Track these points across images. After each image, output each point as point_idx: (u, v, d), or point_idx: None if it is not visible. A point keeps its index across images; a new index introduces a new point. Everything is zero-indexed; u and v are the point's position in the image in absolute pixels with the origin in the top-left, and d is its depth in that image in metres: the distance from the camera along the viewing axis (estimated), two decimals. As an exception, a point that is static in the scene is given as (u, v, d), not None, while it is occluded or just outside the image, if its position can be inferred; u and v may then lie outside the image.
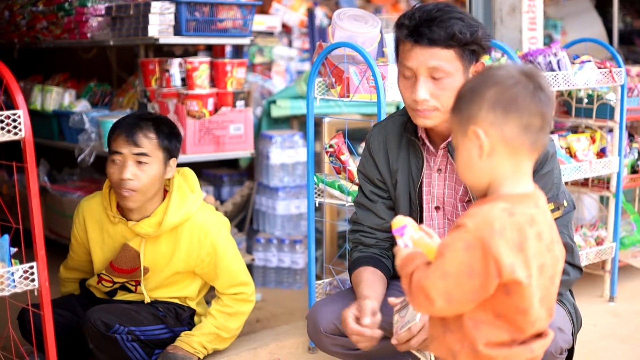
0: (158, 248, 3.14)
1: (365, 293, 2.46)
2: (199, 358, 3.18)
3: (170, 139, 3.09)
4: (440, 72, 2.38)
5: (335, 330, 2.56)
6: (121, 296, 3.24)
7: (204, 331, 3.19)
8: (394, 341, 2.20)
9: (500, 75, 1.82)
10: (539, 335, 1.88)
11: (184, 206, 3.10)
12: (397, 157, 2.62)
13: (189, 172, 3.25)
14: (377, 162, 2.67)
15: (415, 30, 2.37)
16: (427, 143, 2.55)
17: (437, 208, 2.59)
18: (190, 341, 3.16)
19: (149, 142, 3.03)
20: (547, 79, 3.66)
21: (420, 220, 2.60)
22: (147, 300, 3.19)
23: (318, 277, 3.70)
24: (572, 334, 2.49)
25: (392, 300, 2.27)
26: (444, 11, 2.38)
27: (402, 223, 1.91)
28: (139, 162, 3.03)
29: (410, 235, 1.90)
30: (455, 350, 1.86)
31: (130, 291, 3.22)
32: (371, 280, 2.55)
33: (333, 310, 2.57)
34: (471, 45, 2.38)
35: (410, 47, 2.40)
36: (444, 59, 2.37)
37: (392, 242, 2.67)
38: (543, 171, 2.42)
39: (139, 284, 3.19)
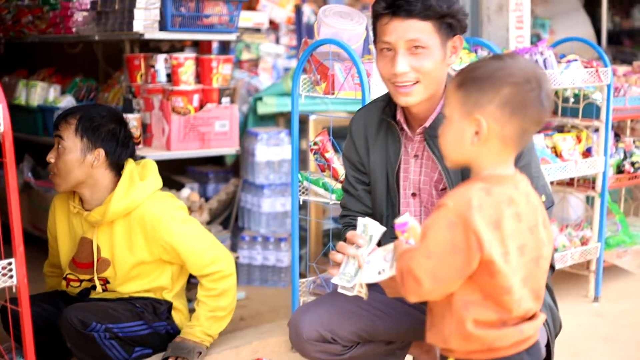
0: (113, 238, 3.14)
1: None
2: (207, 347, 3.20)
3: (96, 130, 3.10)
4: (419, 44, 2.38)
5: (318, 337, 2.52)
6: (95, 295, 3.23)
7: (201, 320, 3.19)
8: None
9: (519, 76, 1.88)
10: (530, 318, 1.95)
11: (130, 194, 3.10)
12: (375, 141, 2.62)
13: (148, 162, 3.27)
14: (357, 146, 2.67)
15: (393, 3, 2.38)
16: (405, 127, 2.55)
17: (413, 195, 2.58)
18: (193, 332, 3.18)
19: (66, 127, 3.10)
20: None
21: (397, 207, 2.59)
22: (99, 289, 3.18)
23: (302, 275, 3.69)
24: (548, 339, 2.46)
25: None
26: None
27: (404, 219, 1.96)
28: (59, 146, 3.10)
29: (411, 231, 1.94)
30: (445, 334, 1.92)
31: (103, 290, 3.20)
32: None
33: (315, 317, 2.54)
34: (448, 18, 2.38)
35: (388, 21, 2.40)
36: (422, 31, 2.37)
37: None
38: (519, 165, 2.40)
39: (107, 282, 3.18)
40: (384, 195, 2.61)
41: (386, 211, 2.59)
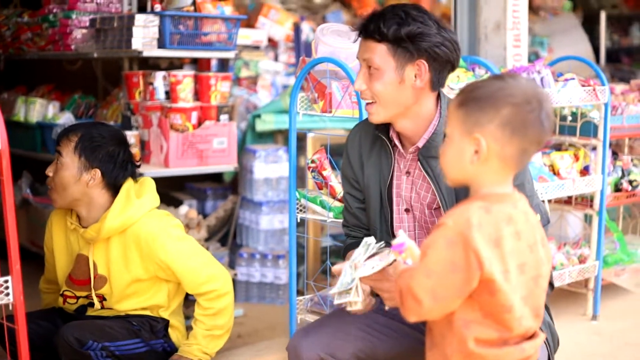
0: (109, 255, 3.13)
1: None
2: None
3: (95, 150, 3.10)
4: (371, 64, 2.42)
5: None
6: (92, 312, 3.22)
7: (199, 338, 3.16)
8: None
9: (519, 96, 1.89)
10: (530, 337, 1.95)
11: (126, 211, 3.10)
12: (370, 157, 2.63)
13: (146, 180, 3.27)
14: (352, 162, 2.68)
15: (362, 22, 2.46)
16: (398, 144, 2.55)
17: (407, 210, 2.58)
18: (191, 350, 3.15)
19: (67, 144, 3.10)
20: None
21: (390, 222, 2.60)
22: (97, 306, 3.17)
23: (300, 293, 3.68)
24: (549, 357, 2.46)
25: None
26: (396, 9, 2.40)
27: (401, 240, 1.97)
28: (57, 161, 3.11)
29: (409, 252, 1.95)
30: (447, 354, 1.93)
31: (101, 307, 3.20)
32: None
33: (315, 340, 2.50)
34: (403, 43, 2.38)
35: (359, 39, 2.49)
36: (375, 52, 2.41)
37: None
38: (514, 184, 2.40)
39: (104, 299, 3.18)
40: (377, 210, 2.62)
41: (380, 226, 2.60)
